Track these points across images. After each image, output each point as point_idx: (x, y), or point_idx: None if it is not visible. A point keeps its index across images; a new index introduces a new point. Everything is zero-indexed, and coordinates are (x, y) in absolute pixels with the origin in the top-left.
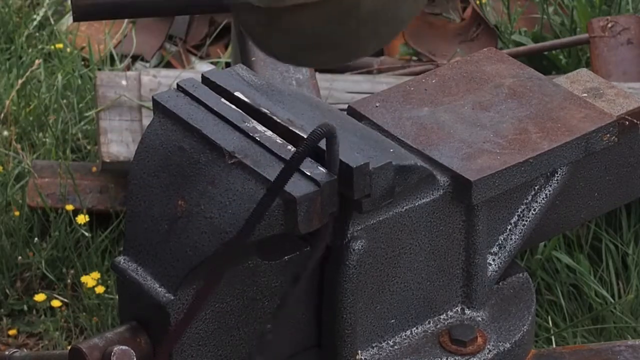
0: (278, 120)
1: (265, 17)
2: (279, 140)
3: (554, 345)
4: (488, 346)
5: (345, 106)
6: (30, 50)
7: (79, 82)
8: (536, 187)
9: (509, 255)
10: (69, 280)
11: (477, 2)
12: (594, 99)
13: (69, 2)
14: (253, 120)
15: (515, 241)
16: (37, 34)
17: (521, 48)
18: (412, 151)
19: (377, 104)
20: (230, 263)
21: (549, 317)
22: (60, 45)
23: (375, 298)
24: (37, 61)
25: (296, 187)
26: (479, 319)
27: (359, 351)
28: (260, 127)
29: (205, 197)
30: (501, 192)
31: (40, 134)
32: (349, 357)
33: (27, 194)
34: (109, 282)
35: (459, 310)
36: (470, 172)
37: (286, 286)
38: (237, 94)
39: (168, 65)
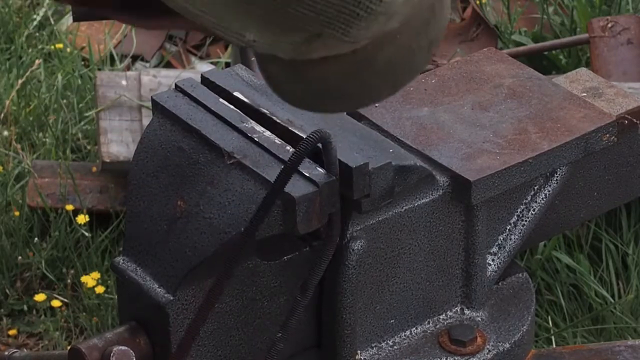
0: (277, 121)
1: (287, 68)
2: (277, 140)
3: (554, 345)
4: (487, 346)
5: None
6: (30, 50)
7: (79, 82)
8: (536, 187)
9: (509, 255)
10: (69, 280)
11: (477, 2)
12: (593, 99)
13: None
14: (252, 121)
15: (514, 241)
16: (37, 34)
17: (521, 48)
18: (412, 151)
19: (377, 104)
20: (236, 262)
21: (549, 317)
22: (60, 45)
23: (374, 298)
24: (37, 61)
25: (295, 187)
26: (479, 319)
27: (359, 351)
28: (259, 128)
29: (205, 197)
30: (501, 192)
31: (40, 134)
32: (349, 357)
33: (27, 194)
34: (109, 282)
35: (458, 310)
36: (470, 172)
37: (294, 294)
38: (236, 94)
39: (168, 65)
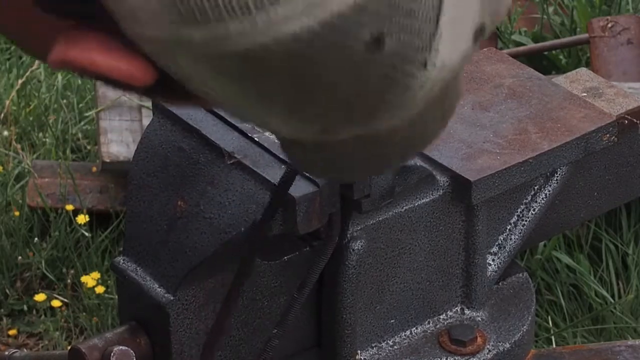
0: None
1: (310, 147)
2: (278, 140)
3: (554, 345)
4: (488, 346)
5: None
6: None
7: (79, 82)
8: (536, 187)
9: (509, 255)
10: (69, 280)
11: None
12: (593, 99)
13: None
14: None
15: (515, 241)
16: None
17: (521, 48)
18: None
19: None
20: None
21: (549, 317)
22: None
23: (374, 298)
24: (37, 61)
25: (295, 187)
26: (479, 319)
27: (359, 351)
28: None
29: (205, 197)
30: (501, 192)
31: (40, 134)
32: (349, 357)
33: (27, 194)
34: (109, 282)
35: (458, 310)
36: (470, 172)
37: (292, 292)
38: None
39: None
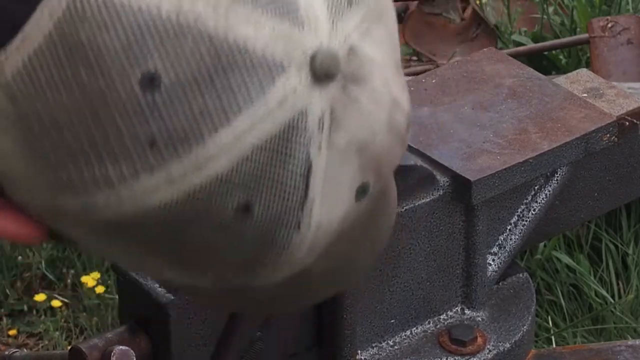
0: None
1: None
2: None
3: (554, 345)
4: (488, 346)
5: None
6: None
7: None
8: (536, 187)
9: (509, 255)
10: (69, 280)
11: (477, 2)
12: (594, 99)
13: None
14: None
15: (515, 241)
16: None
17: (521, 48)
18: (412, 151)
19: None
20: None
21: (549, 317)
22: None
23: (375, 298)
24: None
25: None
26: (479, 319)
27: (359, 351)
28: None
29: None
30: (501, 192)
31: None
32: (349, 357)
33: None
34: (109, 282)
35: (458, 310)
36: (470, 172)
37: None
38: None
39: None
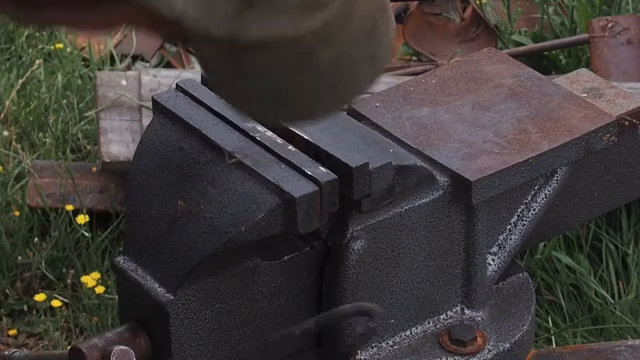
0: None
1: (225, 53)
2: (279, 140)
3: (554, 345)
4: (488, 346)
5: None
6: (30, 50)
7: (79, 82)
8: (536, 187)
9: (509, 255)
10: (69, 280)
11: (477, 2)
12: (593, 99)
13: None
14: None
15: (515, 241)
16: (37, 33)
17: (521, 48)
18: (412, 151)
19: (377, 104)
20: None
21: (549, 317)
22: (60, 45)
23: (374, 298)
24: (37, 61)
25: (296, 187)
26: (479, 319)
27: (359, 351)
28: (261, 127)
29: (205, 197)
30: (501, 192)
31: (40, 134)
32: (349, 357)
33: (27, 194)
34: (109, 282)
35: (458, 310)
36: (470, 172)
37: (292, 292)
38: None
39: (168, 65)
